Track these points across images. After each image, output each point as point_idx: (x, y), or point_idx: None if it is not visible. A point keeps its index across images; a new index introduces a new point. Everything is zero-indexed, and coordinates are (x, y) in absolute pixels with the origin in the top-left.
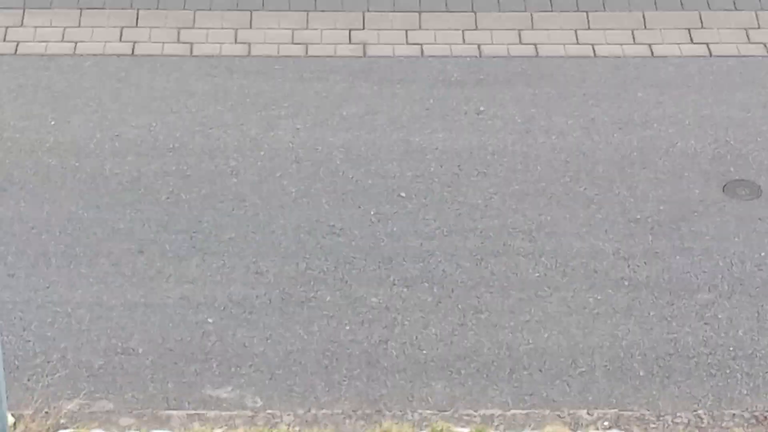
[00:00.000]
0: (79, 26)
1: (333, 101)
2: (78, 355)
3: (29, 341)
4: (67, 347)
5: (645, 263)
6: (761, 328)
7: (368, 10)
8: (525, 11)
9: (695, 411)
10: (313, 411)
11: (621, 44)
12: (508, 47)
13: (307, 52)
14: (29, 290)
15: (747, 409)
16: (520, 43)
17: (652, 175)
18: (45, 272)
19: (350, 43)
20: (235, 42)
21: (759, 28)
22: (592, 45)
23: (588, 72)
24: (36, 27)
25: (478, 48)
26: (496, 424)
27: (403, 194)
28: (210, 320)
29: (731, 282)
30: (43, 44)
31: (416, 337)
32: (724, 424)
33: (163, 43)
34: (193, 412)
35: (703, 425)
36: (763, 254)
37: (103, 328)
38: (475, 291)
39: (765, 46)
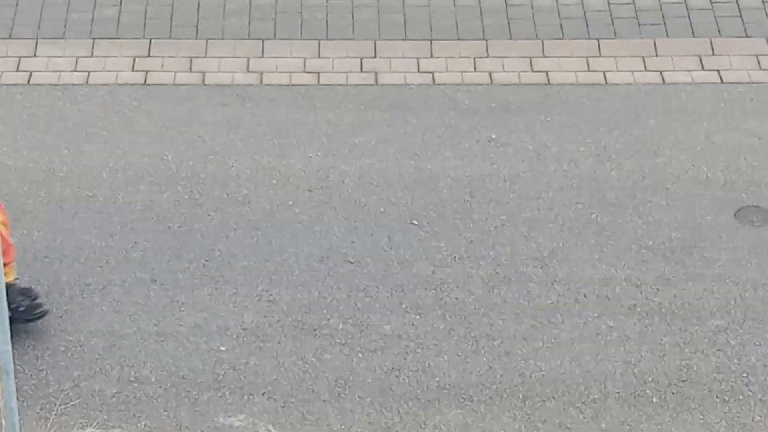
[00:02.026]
0: (91, 56)
1: (345, 129)
2: (91, 383)
3: (42, 370)
4: (80, 376)
5: (657, 290)
6: None
7: (380, 39)
8: (536, 39)
9: None
10: None
11: (632, 71)
12: (519, 75)
13: (318, 81)
14: (42, 319)
15: None
16: (532, 70)
17: (664, 201)
18: (58, 301)
19: (362, 71)
20: (247, 71)
21: None
22: (604, 72)
23: (599, 99)
24: (49, 57)
25: (490, 76)
26: None
27: (415, 222)
28: (223, 348)
29: (744, 308)
30: (56, 74)
31: (429, 365)
32: None
33: (176, 72)
34: None
35: None
36: None
37: (115, 357)
38: (488, 318)
39: None
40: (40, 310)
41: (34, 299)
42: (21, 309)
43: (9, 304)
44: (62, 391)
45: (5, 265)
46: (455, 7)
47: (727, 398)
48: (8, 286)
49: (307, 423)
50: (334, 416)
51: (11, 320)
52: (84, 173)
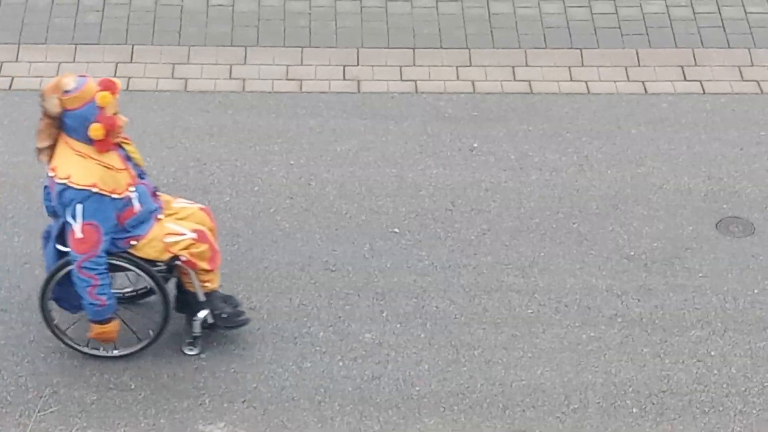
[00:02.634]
0: (74, 61)
1: (327, 137)
2: (70, 390)
3: (21, 376)
4: (59, 382)
5: (638, 300)
6: (754, 366)
7: (362, 47)
8: (519, 48)
9: None
10: None
11: (615, 81)
12: (502, 84)
13: (301, 88)
14: (21, 325)
15: None
16: (514, 79)
17: (646, 211)
18: (38, 307)
19: (344, 79)
20: (230, 78)
21: (752, 65)
22: (586, 82)
23: (581, 109)
24: (31, 62)
25: (472, 84)
26: None
27: (396, 230)
28: (203, 355)
29: (724, 319)
30: (38, 79)
31: (409, 373)
32: None
33: (158, 78)
34: None
35: None
36: (756, 291)
37: (95, 364)
38: (469, 327)
39: (758, 83)
40: (243, 317)
41: (235, 306)
42: (224, 316)
43: (212, 311)
44: (41, 397)
45: (210, 271)
46: (438, 16)
47: (707, 409)
48: (211, 293)
49: (287, 431)
50: (314, 424)
51: (213, 326)
52: None
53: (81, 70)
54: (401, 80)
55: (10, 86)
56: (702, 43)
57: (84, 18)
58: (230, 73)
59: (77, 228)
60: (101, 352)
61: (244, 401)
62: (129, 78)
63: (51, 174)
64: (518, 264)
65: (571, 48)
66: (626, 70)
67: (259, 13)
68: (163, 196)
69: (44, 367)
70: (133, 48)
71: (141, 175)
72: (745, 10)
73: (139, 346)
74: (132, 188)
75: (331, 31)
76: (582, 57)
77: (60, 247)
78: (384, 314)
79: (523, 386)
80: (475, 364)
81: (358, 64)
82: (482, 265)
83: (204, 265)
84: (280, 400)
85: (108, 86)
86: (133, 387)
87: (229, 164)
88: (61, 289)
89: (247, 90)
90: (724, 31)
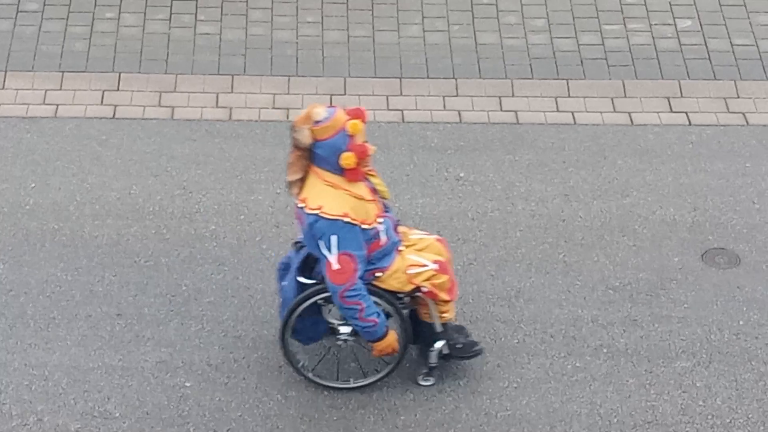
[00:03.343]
0: (60, 89)
1: None
2: (55, 418)
3: (5, 404)
4: (43, 410)
5: (624, 331)
6: (739, 397)
7: (349, 76)
8: (506, 78)
9: None
10: None
11: (601, 112)
12: (488, 114)
13: (288, 117)
14: (6, 352)
15: None
16: (501, 109)
17: (631, 242)
18: (22, 334)
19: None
20: (217, 106)
21: (738, 97)
22: (572, 113)
23: (568, 139)
24: (17, 89)
25: (459, 114)
26: None
27: None
28: (188, 384)
29: (709, 350)
30: (24, 107)
31: (394, 403)
32: None
33: (145, 106)
34: None
35: None
36: (741, 323)
37: (80, 392)
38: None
39: (744, 115)
40: (477, 348)
41: (467, 336)
42: (458, 346)
43: (448, 341)
44: (25, 425)
45: (448, 302)
46: (425, 46)
47: None
48: (446, 324)
49: None
50: None
51: (447, 357)
52: (51, 206)
53: (68, 97)
54: (388, 109)
55: None
56: (688, 75)
57: (71, 46)
58: (217, 101)
59: (333, 259)
60: (350, 384)
61: (228, 430)
62: (115, 106)
63: (301, 205)
64: (504, 294)
65: (558, 79)
66: (612, 101)
67: (246, 42)
68: (401, 228)
69: (28, 394)
70: (120, 76)
71: (386, 208)
72: (731, 42)
73: (379, 376)
74: (380, 220)
75: (318, 60)
76: (568, 88)
77: (302, 280)
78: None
79: (509, 416)
80: (460, 394)
81: (345, 94)
82: (468, 294)
83: (444, 295)
84: (265, 430)
85: (357, 114)
86: (117, 415)
87: (215, 192)
88: (297, 321)
89: (234, 118)
90: (710, 63)
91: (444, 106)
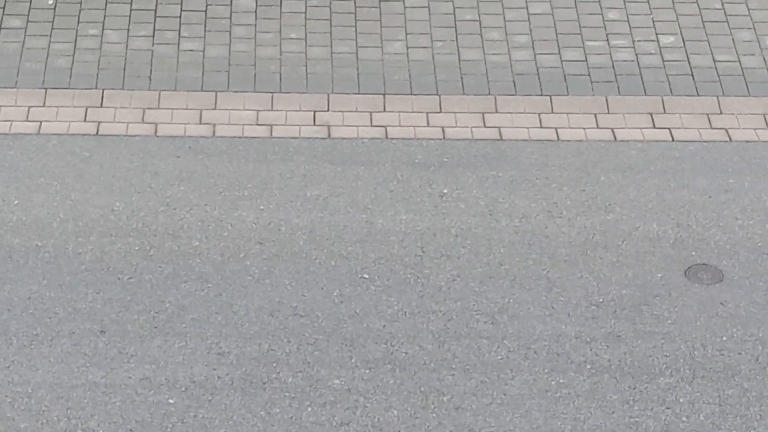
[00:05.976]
0: (44, 105)
1: (297, 182)
2: None
3: None
4: (26, 428)
5: (607, 347)
6: (723, 413)
7: (333, 92)
8: (489, 95)
9: None
10: None
11: (584, 128)
12: (471, 130)
13: (271, 134)
14: None
15: None
16: (484, 126)
17: (615, 258)
18: (5, 352)
19: (315, 124)
20: (200, 123)
21: (721, 113)
22: (556, 129)
23: (551, 155)
24: (1, 106)
25: (442, 131)
26: None
27: (366, 276)
28: (171, 401)
29: (693, 366)
30: (8, 123)
31: (378, 419)
32: None
33: (128, 123)
34: None
35: None
36: (724, 339)
37: (63, 409)
38: (438, 373)
39: (727, 131)
40: None
41: None
42: None
43: None
44: None
45: None
46: (408, 62)
47: None
48: None
49: None
50: None
51: None
52: (34, 223)
53: (51, 114)
54: (371, 126)
55: None
56: (671, 91)
57: (54, 62)
58: (200, 118)
59: None
60: None
61: None
62: (99, 122)
63: None
64: (487, 310)
65: (541, 95)
66: (596, 117)
67: (230, 59)
68: None
69: (11, 412)
70: (103, 92)
71: None
72: (713, 59)
73: None
74: None
75: (301, 77)
76: (552, 104)
77: None
78: (353, 360)
79: None
80: (444, 411)
81: (328, 110)
82: (452, 311)
83: None
84: None
85: None
86: None
87: (198, 209)
88: None
89: (218, 135)
90: (693, 79)
91: (427, 123)
